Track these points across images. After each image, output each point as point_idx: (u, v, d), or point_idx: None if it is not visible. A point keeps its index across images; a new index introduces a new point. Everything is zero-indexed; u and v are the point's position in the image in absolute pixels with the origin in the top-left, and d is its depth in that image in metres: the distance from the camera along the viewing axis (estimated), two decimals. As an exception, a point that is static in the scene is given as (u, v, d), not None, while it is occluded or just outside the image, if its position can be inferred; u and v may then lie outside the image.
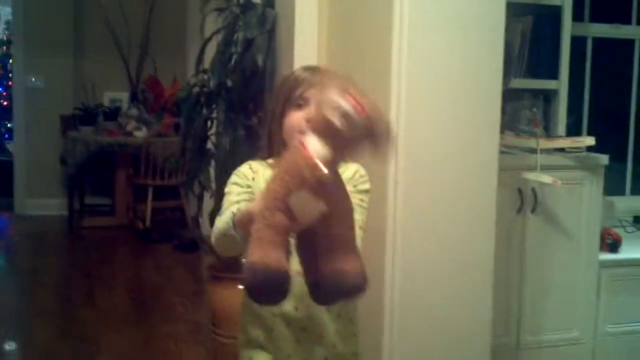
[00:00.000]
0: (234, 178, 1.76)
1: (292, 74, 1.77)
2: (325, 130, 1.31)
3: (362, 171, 1.77)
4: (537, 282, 3.08)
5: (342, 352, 1.78)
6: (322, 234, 1.38)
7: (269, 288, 1.34)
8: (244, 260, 1.37)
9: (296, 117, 1.67)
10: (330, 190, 1.35)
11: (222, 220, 1.57)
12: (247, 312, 1.80)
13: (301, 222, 1.35)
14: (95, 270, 5.03)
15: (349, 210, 1.44)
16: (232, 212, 1.54)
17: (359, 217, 1.69)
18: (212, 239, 1.64)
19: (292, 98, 1.69)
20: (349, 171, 1.73)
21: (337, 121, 1.29)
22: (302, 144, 1.33)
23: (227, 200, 1.70)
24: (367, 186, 1.77)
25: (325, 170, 1.30)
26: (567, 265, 3.13)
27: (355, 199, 1.67)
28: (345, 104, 1.29)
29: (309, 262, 1.42)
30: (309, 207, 1.34)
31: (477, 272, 2.60)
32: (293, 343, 1.75)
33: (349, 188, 1.63)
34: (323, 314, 1.73)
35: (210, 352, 3.58)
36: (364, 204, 1.75)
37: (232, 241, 1.53)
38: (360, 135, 1.31)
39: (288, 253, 1.37)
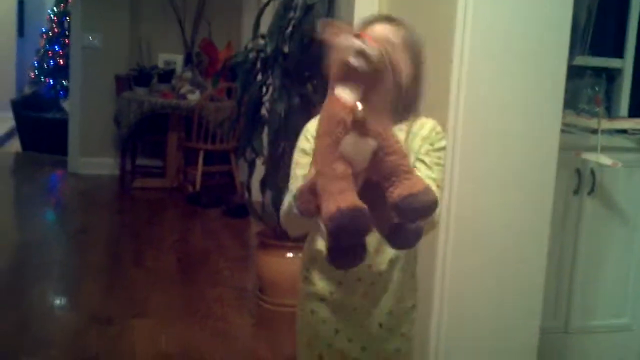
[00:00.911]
0: (301, 142, 1.74)
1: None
2: (346, 74, 1.40)
3: (438, 128, 1.75)
4: (589, 265, 3.02)
5: (404, 306, 1.82)
6: (378, 169, 1.42)
7: (352, 230, 1.37)
8: (321, 223, 1.42)
9: None
10: (373, 126, 1.40)
11: (286, 201, 1.63)
12: (316, 265, 1.80)
13: (359, 164, 1.40)
14: (144, 231, 5.08)
15: (395, 141, 1.44)
16: (293, 194, 1.56)
17: (436, 175, 1.69)
18: (281, 219, 1.69)
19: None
20: (425, 129, 1.72)
21: (353, 60, 1.37)
22: (332, 96, 1.42)
23: (293, 174, 1.71)
24: (443, 143, 1.74)
25: (360, 107, 1.38)
26: (621, 250, 3.06)
27: (432, 157, 1.70)
28: (355, 42, 1.38)
29: (378, 213, 1.44)
30: (361, 148, 1.40)
31: (531, 253, 2.55)
32: (360, 297, 1.77)
33: (426, 147, 1.69)
34: (392, 269, 1.76)
35: (255, 317, 3.59)
36: (441, 161, 1.72)
37: (298, 220, 1.55)
38: (380, 68, 1.39)
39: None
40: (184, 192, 6.17)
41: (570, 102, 3.16)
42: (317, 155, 1.44)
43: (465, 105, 2.41)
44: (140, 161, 6.87)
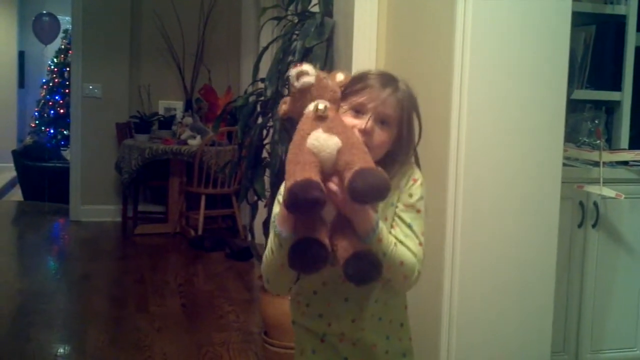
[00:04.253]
0: (281, 189, 1.74)
1: (365, 75, 1.74)
2: (302, 97, 1.64)
3: (416, 175, 1.74)
4: (597, 298, 3.01)
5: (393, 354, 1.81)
6: (342, 167, 1.54)
7: (304, 199, 1.47)
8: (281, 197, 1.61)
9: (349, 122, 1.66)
10: (337, 125, 1.59)
11: (267, 246, 1.69)
12: (299, 320, 1.83)
13: (324, 158, 1.54)
14: (147, 276, 5.06)
15: (358, 140, 1.59)
16: (273, 217, 1.65)
17: (416, 228, 1.69)
18: (263, 274, 1.73)
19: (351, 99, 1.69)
20: (403, 179, 1.72)
21: (296, 84, 1.63)
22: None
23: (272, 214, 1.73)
24: (419, 192, 1.72)
25: (322, 106, 1.59)
26: (628, 281, 3.05)
27: (409, 211, 1.69)
28: (291, 71, 1.65)
29: (346, 241, 1.56)
30: (325, 144, 1.55)
31: (538, 287, 2.54)
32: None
33: (404, 198, 1.71)
34: (375, 322, 1.76)
35: (262, 361, 3.57)
36: (421, 212, 1.71)
37: (279, 258, 1.61)
38: (320, 78, 1.65)
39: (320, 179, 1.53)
40: (187, 237, 6.16)
41: (571, 135, 3.18)
42: (289, 150, 1.59)
43: (467, 142, 2.42)
44: (142, 207, 6.89)
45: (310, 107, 1.60)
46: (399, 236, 1.65)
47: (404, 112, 1.69)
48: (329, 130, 1.56)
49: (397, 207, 1.69)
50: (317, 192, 1.47)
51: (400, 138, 1.70)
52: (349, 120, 1.64)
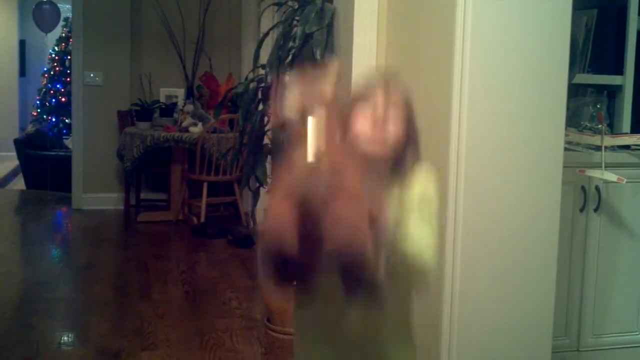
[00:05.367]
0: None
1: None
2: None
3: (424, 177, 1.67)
4: (599, 282, 3.02)
5: None
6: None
7: (273, 245, 1.34)
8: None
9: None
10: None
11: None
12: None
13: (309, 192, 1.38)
14: (150, 264, 5.07)
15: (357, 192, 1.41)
16: None
17: (434, 223, 1.62)
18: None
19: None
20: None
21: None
22: None
23: None
24: (432, 186, 1.66)
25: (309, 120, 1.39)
26: (630, 265, 3.05)
27: (424, 205, 1.62)
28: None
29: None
30: (315, 181, 1.38)
31: (540, 271, 2.55)
32: None
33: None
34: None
35: (265, 346, 3.57)
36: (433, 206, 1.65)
37: None
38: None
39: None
40: (189, 224, 6.17)
41: (573, 120, 3.17)
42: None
43: (468, 127, 2.41)
44: (145, 195, 6.89)
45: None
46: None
47: (407, 105, 1.69)
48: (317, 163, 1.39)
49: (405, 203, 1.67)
50: (288, 235, 1.34)
51: (408, 132, 1.69)
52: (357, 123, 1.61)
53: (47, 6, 10.41)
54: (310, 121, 1.41)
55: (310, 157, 1.39)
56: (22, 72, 11.14)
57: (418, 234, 1.58)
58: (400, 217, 1.59)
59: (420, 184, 1.66)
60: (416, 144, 1.71)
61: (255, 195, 3.63)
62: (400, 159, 1.66)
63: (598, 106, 3.23)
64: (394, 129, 1.61)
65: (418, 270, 1.59)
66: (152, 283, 4.60)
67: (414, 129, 1.70)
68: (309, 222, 1.39)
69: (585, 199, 2.94)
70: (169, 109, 6.70)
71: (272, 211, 1.39)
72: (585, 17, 3.28)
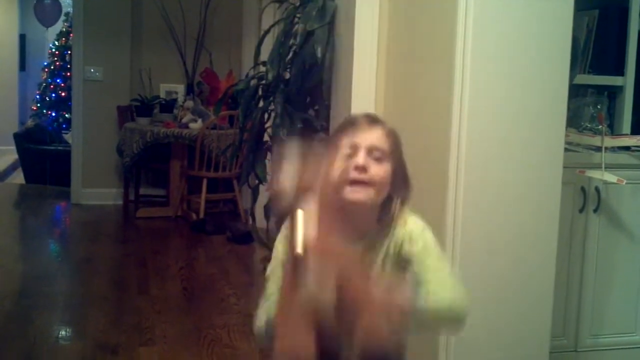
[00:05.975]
0: (276, 245, 1.67)
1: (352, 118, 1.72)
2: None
3: (416, 229, 1.66)
4: (597, 283, 3.01)
5: None
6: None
7: None
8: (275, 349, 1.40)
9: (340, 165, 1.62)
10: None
11: (259, 321, 1.59)
12: None
13: (320, 294, 1.35)
14: (149, 260, 5.07)
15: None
16: (265, 322, 1.56)
17: (444, 265, 1.66)
18: (256, 334, 1.63)
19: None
20: (409, 233, 1.67)
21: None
22: None
23: (266, 287, 1.64)
24: (416, 246, 1.65)
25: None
26: (629, 266, 3.05)
27: (432, 255, 1.64)
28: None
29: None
30: (323, 276, 1.36)
31: (539, 271, 2.55)
32: None
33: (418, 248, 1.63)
34: None
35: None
36: (439, 252, 1.67)
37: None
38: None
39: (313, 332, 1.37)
40: (188, 220, 6.17)
41: (573, 120, 3.17)
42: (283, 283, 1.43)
43: (468, 127, 2.41)
44: (144, 190, 6.89)
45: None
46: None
47: (395, 147, 1.68)
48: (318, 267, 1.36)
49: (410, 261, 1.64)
50: None
51: (396, 174, 1.67)
52: (342, 162, 1.61)
53: (48, 1, 10.39)
54: (300, 214, 1.40)
55: (298, 249, 1.37)
56: (22, 66, 11.13)
57: (441, 288, 1.58)
58: (417, 279, 1.59)
59: (421, 237, 1.65)
60: (406, 188, 1.69)
61: (255, 192, 3.63)
62: (386, 206, 1.65)
63: (598, 107, 3.23)
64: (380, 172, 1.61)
65: (454, 319, 1.62)
66: (150, 278, 4.60)
67: (402, 164, 1.69)
68: (326, 336, 1.40)
69: (584, 200, 2.94)
70: (168, 105, 6.70)
71: (288, 333, 1.37)
72: (586, 17, 3.28)
